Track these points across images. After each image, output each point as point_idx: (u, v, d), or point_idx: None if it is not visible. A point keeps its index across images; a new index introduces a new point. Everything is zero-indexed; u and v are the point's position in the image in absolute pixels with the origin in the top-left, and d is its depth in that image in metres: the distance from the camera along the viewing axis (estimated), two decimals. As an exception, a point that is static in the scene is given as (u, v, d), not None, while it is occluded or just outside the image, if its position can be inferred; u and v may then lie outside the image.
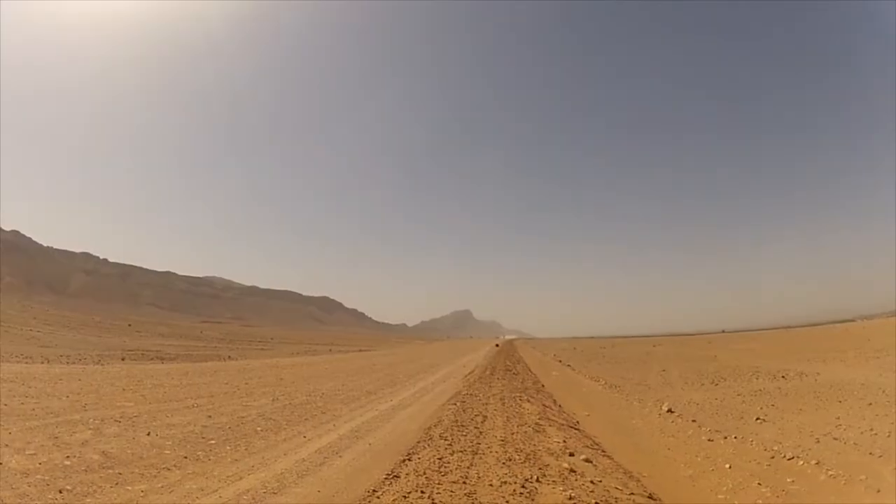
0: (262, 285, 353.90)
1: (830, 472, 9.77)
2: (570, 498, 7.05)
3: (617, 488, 8.18)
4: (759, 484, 9.62)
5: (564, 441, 11.07)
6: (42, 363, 20.93)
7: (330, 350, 55.67)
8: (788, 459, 10.78)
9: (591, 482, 8.13)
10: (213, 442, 10.58)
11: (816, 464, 10.32)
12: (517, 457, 9.13)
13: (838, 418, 13.69)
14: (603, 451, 11.50)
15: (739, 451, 11.76)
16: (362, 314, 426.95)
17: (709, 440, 12.86)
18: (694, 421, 15.06)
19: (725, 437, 12.91)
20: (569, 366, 37.01)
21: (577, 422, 15.15)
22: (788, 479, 9.75)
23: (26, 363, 20.21)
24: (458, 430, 11.58)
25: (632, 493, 8.08)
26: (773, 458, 11.04)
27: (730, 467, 10.65)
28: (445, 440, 10.61)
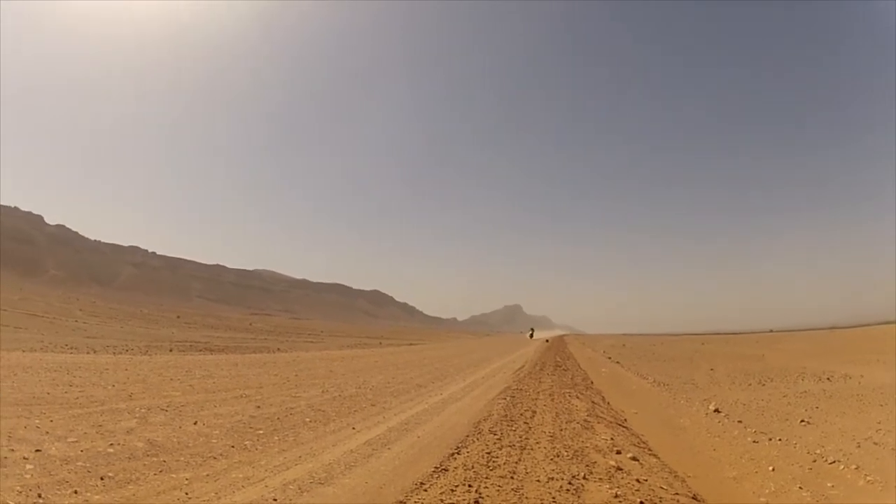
0: (313, 279, 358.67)
1: (869, 478, 9.86)
2: (616, 496, 7.20)
3: (662, 487, 8.29)
4: (800, 488, 9.78)
5: (612, 438, 11.25)
6: (88, 353, 21.70)
7: (380, 343, 56.13)
8: (830, 463, 10.87)
9: (637, 481, 8.26)
10: (260, 432, 10.83)
11: (856, 469, 10.38)
12: (565, 453, 9.34)
13: (879, 423, 13.74)
14: (649, 450, 11.64)
15: (783, 453, 11.87)
16: (413, 308, 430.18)
17: (754, 441, 12.96)
18: (740, 422, 15.13)
19: (770, 439, 13.00)
20: (618, 363, 37.00)
21: (625, 419, 15.26)
22: (829, 484, 9.87)
23: (71, 353, 20.98)
24: (508, 425, 11.81)
25: (676, 493, 8.18)
26: (815, 461, 11.13)
27: (773, 470, 10.78)
28: (494, 434, 10.84)
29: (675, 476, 9.62)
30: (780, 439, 12.87)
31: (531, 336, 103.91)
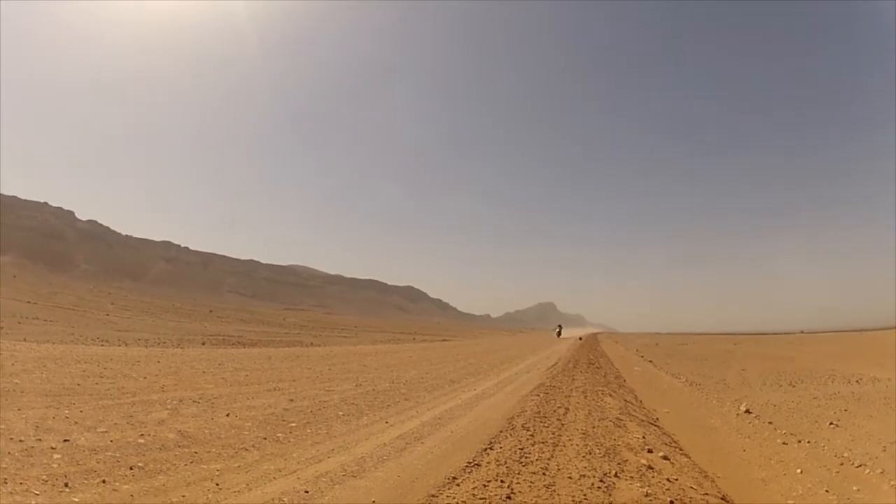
0: (347, 274, 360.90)
1: (892, 483, 9.85)
2: (647, 495, 7.28)
3: (692, 487, 8.35)
4: (826, 491, 9.76)
5: (644, 437, 11.33)
6: (119, 346, 22.08)
7: (414, 339, 56.51)
8: (856, 467, 10.82)
9: (668, 480, 8.33)
10: (293, 424, 10.89)
11: (881, 473, 10.35)
12: (597, 450, 9.45)
13: (904, 426, 13.70)
14: (680, 449, 11.73)
15: (811, 455, 11.85)
16: (447, 304, 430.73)
17: (783, 443, 12.95)
18: (770, 423, 15.09)
19: (799, 441, 12.98)
20: (650, 361, 37.08)
21: (657, 418, 15.34)
22: (854, 488, 9.82)
23: (102, 346, 21.36)
24: (541, 422, 11.93)
25: (706, 493, 8.25)
26: (842, 464, 11.08)
27: (801, 472, 10.77)
28: (527, 430, 10.96)
29: (704, 476, 9.72)
30: (808, 441, 12.88)
31: (558, 334, 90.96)
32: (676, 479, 8.44)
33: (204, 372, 16.33)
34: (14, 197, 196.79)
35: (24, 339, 19.59)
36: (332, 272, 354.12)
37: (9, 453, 6.96)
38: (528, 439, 10.13)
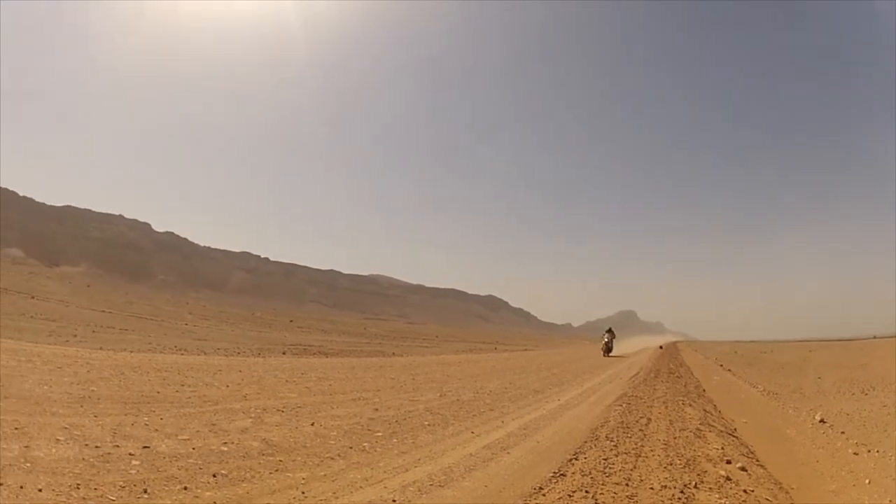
0: (428, 283, 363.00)
1: None
2: None
3: (767, 499, 8.58)
4: (890, 501, 9.88)
5: (723, 448, 11.60)
6: (198, 355, 22.77)
7: (495, 348, 56.54)
8: None
9: (745, 491, 8.57)
10: (379, 434, 11.02)
11: None
12: (678, 461, 9.67)
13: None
14: (757, 460, 11.93)
15: (879, 465, 11.94)
16: (528, 313, 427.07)
17: (854, 453, 13.04)
18: (843, 433, 15.10)
19: (869, 451, 13.08)
20: (729, 370, 37.00)
21: (735, 428, 15.44)
22: None
23: (181, 354, 22.08)
24: (623, 432, 12.20)
25: None
26: None
27: (869, 483, 10.90)
28: (611, 441, 11.24)
29: (779, 487, 9.89)
30: (877, 451, 12.94)
31: (607, 345, 50.43)
32: (752, 491, 8.68)
33: (287, 381, 16.70)
34: (88, 210, 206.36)
35: (101, 348, 20.38)
36: (413, 282, 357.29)
37: (83, 459, 7.19)
38: (611, 450, 10.42)
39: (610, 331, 51.90)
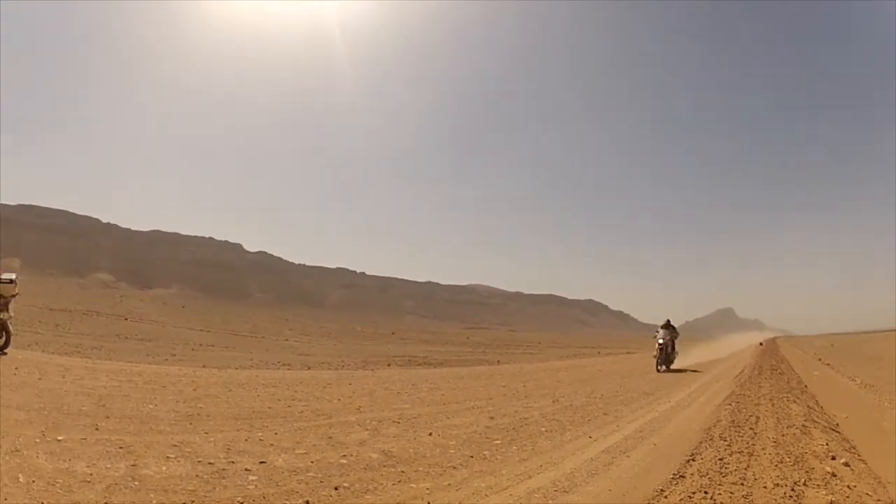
0: (526, 290, 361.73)
1: None
2: (831, 502, 7.71)
3: (868, 494, 8.45)
4: None
5: (827, 444, 11.52)
6: (303, 370, 23.42)
7: (598, 353, 56.21)
8: None
9: (848, 487, 8.62)
10: (497, 442, 11.03)
11: None
12: (787, 459, 9.80)
13: None
14: (858, 455, 11.59)
15: None
16: (627, 315, 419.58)
17: None
18: None
19: None
20: (828, 364, 35.92)
21: (837, 424, 15.02)
22: None
23: (287, 370, 22.79)
24: (735, 431, 12.26)
25: (879, 500, 8.38)
26: None
27: None
28: (724, 441, 11.29)
29: (878, 482, 9.60)
30: None
31: (662, 351, 31.22)
32: (855, 486, 8.71)
33: (399, 392, 17.03)
34: (176, 233, 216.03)
35: (204, 366, 21.18)
36: (512, 289, 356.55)
37: (197, 476, 7.43)
38: (725, 449, 10.51)
39: (667, 326, 32.93)
